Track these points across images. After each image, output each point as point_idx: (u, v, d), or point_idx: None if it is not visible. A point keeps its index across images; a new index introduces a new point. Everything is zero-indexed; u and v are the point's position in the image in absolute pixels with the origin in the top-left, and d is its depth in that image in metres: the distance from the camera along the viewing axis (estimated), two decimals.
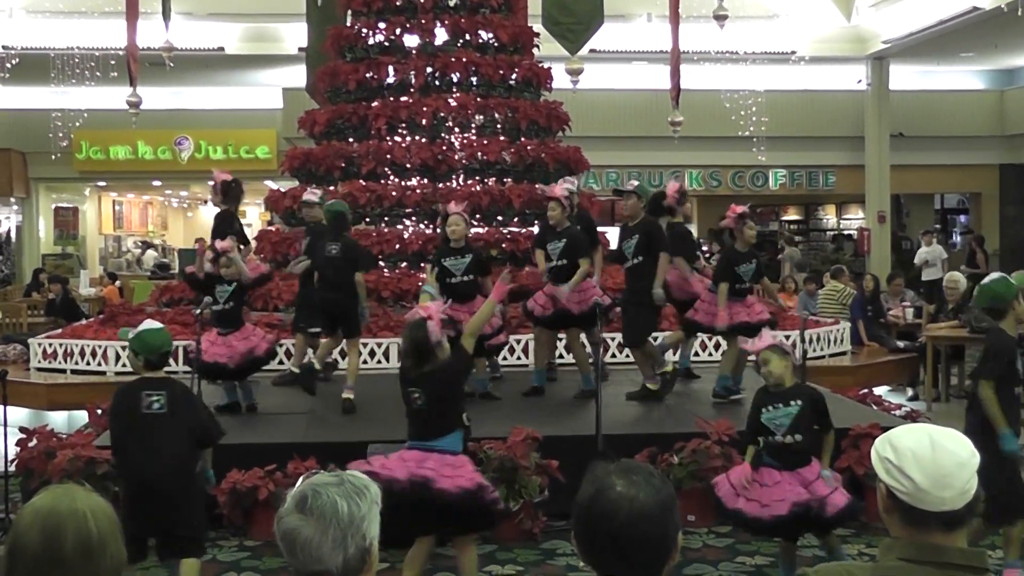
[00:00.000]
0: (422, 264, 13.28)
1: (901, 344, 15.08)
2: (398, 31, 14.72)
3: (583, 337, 10.75)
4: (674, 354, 11.31)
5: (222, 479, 7.92)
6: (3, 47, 22.97)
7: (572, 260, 9.96)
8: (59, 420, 11.71)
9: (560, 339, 11.16)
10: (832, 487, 6.60)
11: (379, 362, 12.33)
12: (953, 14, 21.08)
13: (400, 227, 13.96)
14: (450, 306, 9.65)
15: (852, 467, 8.21)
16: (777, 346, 6.72)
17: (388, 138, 14.33)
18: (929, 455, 2.59)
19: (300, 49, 20.33)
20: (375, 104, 14.45)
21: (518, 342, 12.35)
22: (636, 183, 10.33)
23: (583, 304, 9.89)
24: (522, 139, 14.50)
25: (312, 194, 11.24)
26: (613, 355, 12.21)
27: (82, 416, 10.63)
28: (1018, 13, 18.83)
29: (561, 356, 11.78)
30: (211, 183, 11.13)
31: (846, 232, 30.58)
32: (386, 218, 14.00)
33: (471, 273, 9.78)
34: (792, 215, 32.30)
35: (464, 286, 9.75)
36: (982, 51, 25.37)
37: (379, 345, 12.39)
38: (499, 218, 14.01)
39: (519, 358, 12.35)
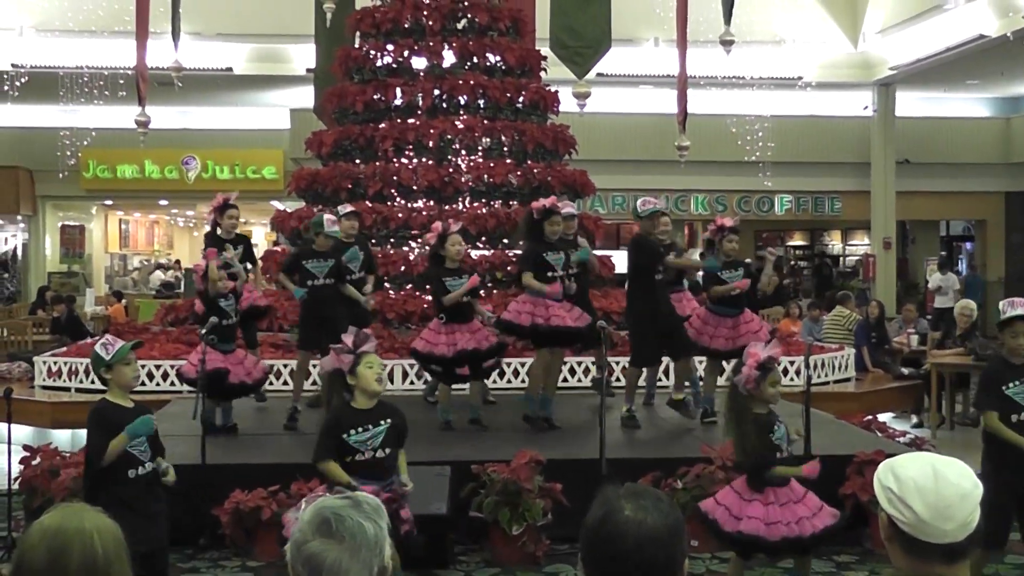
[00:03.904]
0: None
1: (906, 371, 15.09)
2: (406, 53, 14.77)
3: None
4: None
5: (224, 499, 7.93)
6: (12, 65, 23.05)
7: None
8: (63, 438, 11.73)
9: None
10: (818, 506, 6.59)
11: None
12: (959, 41, 21.13)
13: (406, 248, 13.98)
14: (446, 324, 9.69)
15: (856, 493, 8.19)
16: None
17: (395, 160, 14.38)
18: (932, 486, 2.59)
19: (308, 70, 20.42)
20: (382, 126, 14.50)
21: (508, 365, 12.25)
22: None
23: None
24: (528, 162, 14.53)
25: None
26: (618, 378, 12.18)
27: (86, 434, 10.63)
28: None
29: (566, 380, 11.79)
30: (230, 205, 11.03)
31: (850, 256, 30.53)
32: (392, 239, 14.02)
33: (469, 294, 9.72)
34: (798, 240, 32.33)
35: (464, 307, 9.71)
36: (988, 79, 25.44)
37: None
38: (504, 240, 14.02)
39: (523, 381, 12.32)
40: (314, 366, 10.16)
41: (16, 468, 8.79)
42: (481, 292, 10.44)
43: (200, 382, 8.61)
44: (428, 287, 11.30)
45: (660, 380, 11.42)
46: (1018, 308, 6.97)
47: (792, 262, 32.04)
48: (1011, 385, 6.90)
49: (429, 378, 11.29)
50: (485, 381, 10.52)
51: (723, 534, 6.67)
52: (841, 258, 31.84)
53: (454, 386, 10.17)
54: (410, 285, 13.69)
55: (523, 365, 12.20)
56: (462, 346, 9.48)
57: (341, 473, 5.92)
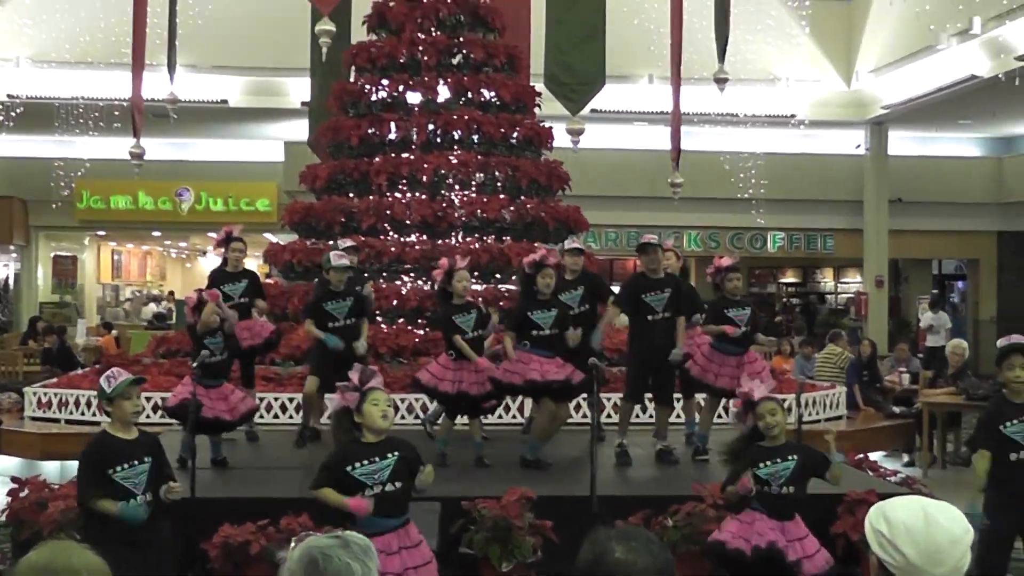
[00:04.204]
0: (419, 320, 13.33)
1: (897, 410, 15.07)
2: (401, 88, 14.82)
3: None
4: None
5: (213, 533, 7.87)
6: (8, 96, 23.13)
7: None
8: (52, 470, 11.67)
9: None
10: (816, 547, 6.66)
11: None
12: (952, 81, 21.24)
13: (398, 283, 13.99)
14: (455, 361, 9.66)
15: (847, 533, 8.17)
16: (775, 398, 6.86)
17: (388, 194, 14.39)
18: (922, 530, 2.58)
19: (303, 103, 20.48)
20: (376, 160, 14.53)
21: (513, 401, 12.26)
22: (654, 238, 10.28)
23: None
24: (522, 197, 14.56)
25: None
26: (609, 415, 12.17)
27: (75, 466, 10.58)
28: (1016, 82, 19.02)
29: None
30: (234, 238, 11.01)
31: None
32: (385, 274, 14.03)
33: (479, 328, 9.73)
34: (790, 278, 32.36)
35: (475, 342, 9.68)
36: (980, 118, 25.54)
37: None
38: (498, 276, 14.04)
39: (514, 416, 12.29)
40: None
41: (4, 500, 8.74)
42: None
43: (191, 416, 8.55)
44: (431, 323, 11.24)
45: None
46: (1014, 340, 7.04)
47: (784, 299, 32.09)
48: (1008, 424, 6.92)
49: (426, 411, 11.27)
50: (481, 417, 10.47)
51: (712, 549, 6.79)
52: (833, 296, 31.90)
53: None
54: (402, 319, 13.69)
55: (514, 400, 12.18)
56: (465, 388, 9.51)
57: (335, 496, 5.89)
